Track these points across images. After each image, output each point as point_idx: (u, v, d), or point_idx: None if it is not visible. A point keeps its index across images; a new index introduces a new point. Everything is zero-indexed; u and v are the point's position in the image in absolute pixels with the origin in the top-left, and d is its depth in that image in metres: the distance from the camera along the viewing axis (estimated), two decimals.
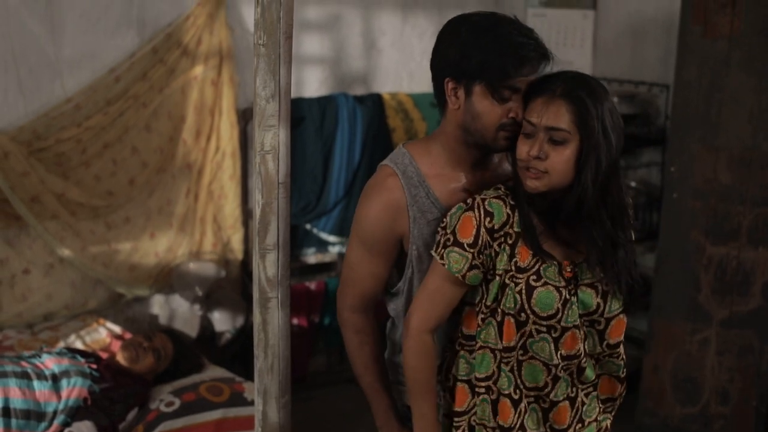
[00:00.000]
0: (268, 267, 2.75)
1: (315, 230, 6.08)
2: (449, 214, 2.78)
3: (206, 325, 5.90)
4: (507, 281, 2.75)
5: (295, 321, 5.93)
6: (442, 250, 2.75)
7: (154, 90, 5.67)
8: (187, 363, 5.15)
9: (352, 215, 5.95)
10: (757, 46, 5.27)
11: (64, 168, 5.38)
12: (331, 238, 6.11)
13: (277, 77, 2.69)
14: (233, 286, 6.15)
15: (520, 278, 2.74)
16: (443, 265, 2.75)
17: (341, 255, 6.26)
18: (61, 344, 5.20)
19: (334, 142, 5.99)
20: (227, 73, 5.91)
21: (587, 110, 2.64)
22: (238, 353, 5.96)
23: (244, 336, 5.88)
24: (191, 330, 5.77)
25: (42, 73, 5.37)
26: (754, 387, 5.30)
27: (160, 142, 5.75)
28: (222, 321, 5.90)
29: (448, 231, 2.76)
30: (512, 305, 2.75)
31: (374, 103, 6.18)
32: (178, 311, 5.86)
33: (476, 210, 2.72)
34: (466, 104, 2.78)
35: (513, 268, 2.74)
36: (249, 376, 4.32)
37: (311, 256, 6.33)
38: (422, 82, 7.00)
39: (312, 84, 6.46)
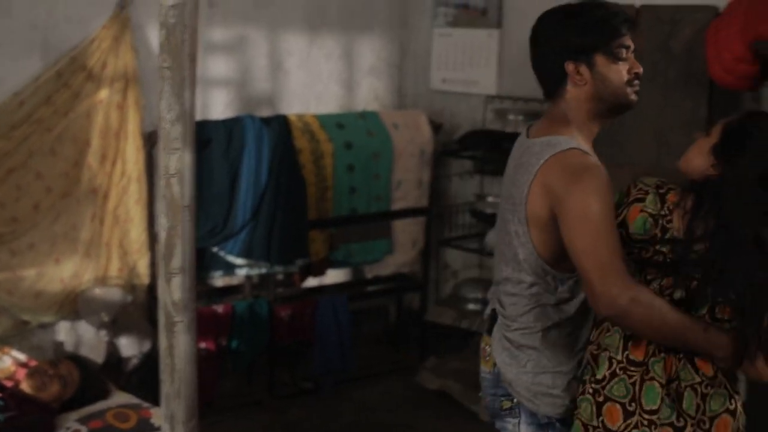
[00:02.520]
0: (173, 291, 2.73)
1: (222, 253, 6.04)
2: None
3: (113, 351, 5.83)
4: None
5: (202, 344, 5.89)
6: None
7: (59, 114, 5.61)
8: (94, 390, 5.09)
9: (259, 237, 5.97)
10: (660, 63, 5.35)
11: None
12: (239, 261, 6.07)
13: (182, 100, 2.67)
14: (140, 311, 6.08)
15: None
16: None
17: (249, 278, 6.23)
18: None
19: (241, 164, 5.96)
20: (133, 96, 5.86)
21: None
22: (145, 379, 5.90)
23: (151, 361, 5.82)
24: (98, 356, 5.71)
25: None
26: None
27: (65, 167, 5.69)
28: (129, 346, 5.85)
29: None
30: None
31: (280, 124, 6.16)
32: (84, 337, 5.80)
33: None
34: (593, 76, 3.08)
35: None
36: (156, 401, 4.28)
37: (218, 279, 6.31)
38: (329, 103, 7.01)
39: (218, 106, 6.44)
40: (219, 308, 6.02)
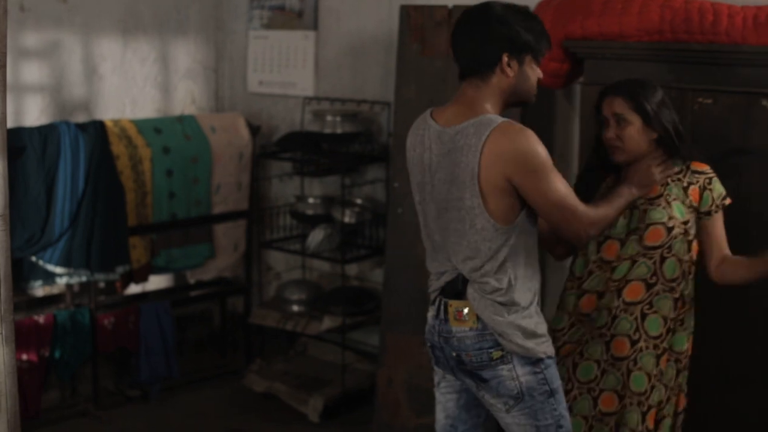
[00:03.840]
0: None
1: (41, 262, 5.93)
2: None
3: None
4: None
5: (24, 356, 5.78)
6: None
7: None
8: None
9: (78, 245, 5.88)
10: None
11: None
12: (58, 270, 5.97)
13: None
14: None
15: None
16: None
17: (69, 286, 6.13)
18: None
19: (57, 172, 5.86)
20: None
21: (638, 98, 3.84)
22: None
23: None
24: None
25: None
26: None
27: None
28: None
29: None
30: None
31: (97, 130, 6.07)
32: None
33: None
34: (519, 72, 3.54)
35: None
36: None
37: (38, 289, 6.18)
38: (145, 108, 6.95)
39: (32, 112, 6.33)
40: (40, 318, 5.91)
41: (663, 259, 3.84)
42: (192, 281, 7.04)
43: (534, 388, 3.57)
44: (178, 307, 6.78)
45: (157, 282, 6.84)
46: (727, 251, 3.92)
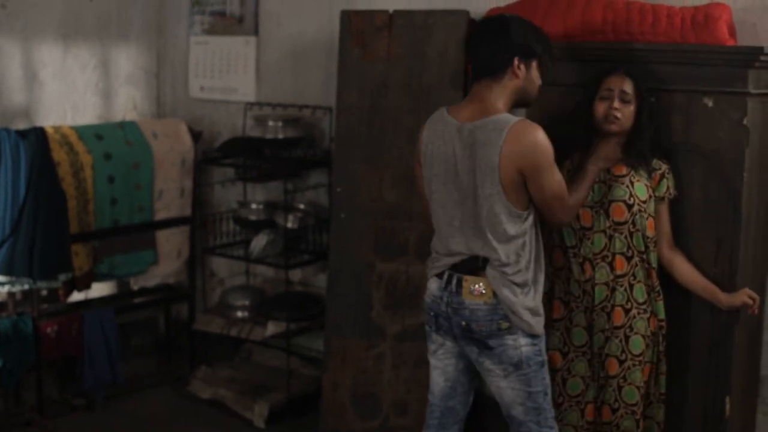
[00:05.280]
0: None
1: None
2: None
3: None
4: None
5: None
6: None
7: None
8: None
9: (20, 253, 5.83)
10: (413, 68, 5.46)
11: None
12: (0, 278, 5.92)
13: None
14: None
15: None
16: None
17: (11, 294, 6.08)
18: None
19: None
20: None
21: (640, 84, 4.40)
22: None
23: None
24: None
25: None
26: None
27: None
28: None
29: None
30: None
31: (37, 137, 6.02)
32: None
33: None
34: (526, 75, 4.07)
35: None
36: None
37: None
38: (86, 114, 6.91)
39: None
40: None
41: (631, 234, 4.38)
42: (135, 288, 7.01)
43: (531, 358, 4.05)
44: (122, 314, 6.75)
45: (100, 289, 6.81)
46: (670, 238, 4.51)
